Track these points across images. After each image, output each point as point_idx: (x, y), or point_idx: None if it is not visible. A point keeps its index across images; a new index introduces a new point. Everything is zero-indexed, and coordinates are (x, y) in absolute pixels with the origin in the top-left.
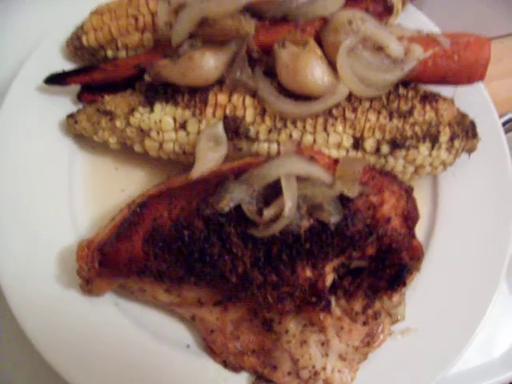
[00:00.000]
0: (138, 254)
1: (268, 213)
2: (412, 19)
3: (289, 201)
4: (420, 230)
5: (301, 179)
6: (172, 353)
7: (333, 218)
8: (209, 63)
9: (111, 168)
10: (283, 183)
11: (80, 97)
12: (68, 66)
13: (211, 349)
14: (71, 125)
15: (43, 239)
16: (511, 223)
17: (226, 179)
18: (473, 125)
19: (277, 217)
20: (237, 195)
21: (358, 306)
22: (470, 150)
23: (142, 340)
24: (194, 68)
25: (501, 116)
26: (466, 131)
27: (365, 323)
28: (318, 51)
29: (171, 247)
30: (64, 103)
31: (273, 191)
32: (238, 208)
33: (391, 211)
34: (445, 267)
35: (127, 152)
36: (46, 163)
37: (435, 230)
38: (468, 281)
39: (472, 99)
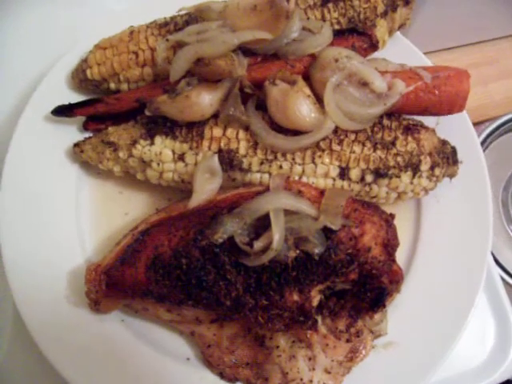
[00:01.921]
0: (141, 279)
1: (258, 245)
2: (398, 46)
3: (277, 234)
4: (403, 251)
5: (288, 213)
6: (173, 365)
7: (317, 249)
8: (204, 101)
9: (116, 192)
10: (272, 217)
11: (85, 126)
12: (74, 95)
13: (209, 361)
14: (77, 153)
15: (54, 260)
16: (489, 244)
17: (220, 213)
18: (454, 152)
19: (266, 248)
20: (230, 228)
21: (341, 324)
22: (451, 175)
23: (146, 353)
24: (190, 106)
25: (499, 117)
26: (446, 158)
27: (348, 340)
28: (306, 90)
29: (171, 274)
30: (71, 131)
31: (263, 223)
32: (231, 239)
33: (371, 241)
34: (426, 285)
35: (131, 177)
36: (55, 188)
37: (417, 250)
38: (447, 297)
39: (454, 124)
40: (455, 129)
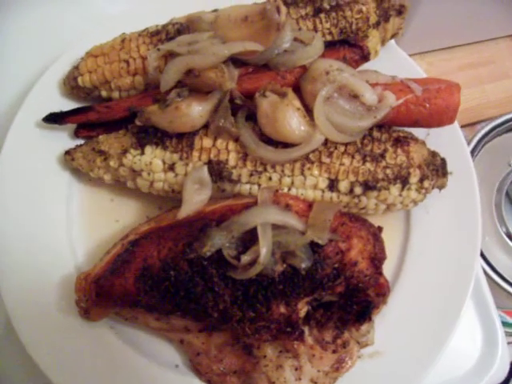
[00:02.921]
0: (130, 290)
1: (245, 259)
2: (391, 55)
3: (264, 248)
4: (391, 261)
5: (276, 227)
6: (162, 372)
7: (304, 263)
8: (194, 112)
9: (107, 199)
10: (259, 231)
11: (77, 133)
12: (65, 101)
13: (197, 369)
14: (68, 161)
15: (45, 267)
16: (477, 255)
17: (209, 225)
18: (443, 163)
19: (253, 262)
20: (218, 241)
21: (328, 336)
22: (441, 187)
23: (135, 359)
24: (180, 117)
25: (494, 118)
26: (436, 170)
27: (334, 351)
28: (296, 102)
29: (160, 286)
30: (62, 137)
31: (251, 237)
32: (219, 251)
33: (358, 256)
34: (413, 295)
35: (121, 185)
36: (46, 194)
37: (406, 260)
38: (434, 308)
39: (445, 133)
40: (445, 139)
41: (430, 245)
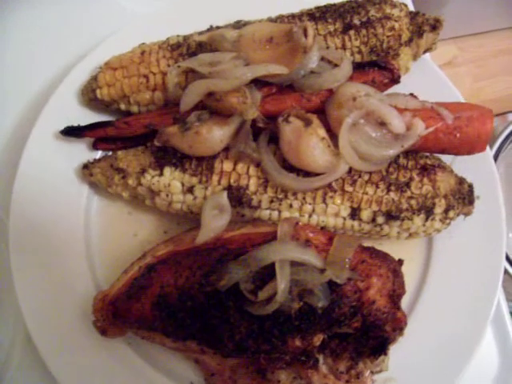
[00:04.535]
0: (146, 315)
1: (262, 295)
2: (422, 68)
3: (281, 286)
4: (410, 286)
5: (294, 263)
6: None
7: (321, 302)
8: (214, 137)
9: (125, 213)
10: (277, 269)
11: (95, 145)
12: (83, 112)
13: None
14: (86, 175)
15: (63, 279)
16: (498, 283)
17: (226, 258)
18: (470, 191)
19: (270, 298)
20: (235, 275)
21: (342, 366)
22: (467, 214)
23: (151, 376)
24: (200, 142)
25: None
26: (462, 199)
27: (347, 381)
28: (321, 131)
29: (176, 315)
30: (81, 149)
31: (268, 271)
32: (236, 285)
33: (376, 294)
34: (431, 321)
35: (140, 201)
36: (65, 207)
37: (425, 286)
38: (452, 335)
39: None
40: (474, 160)
41: (451, 271)
